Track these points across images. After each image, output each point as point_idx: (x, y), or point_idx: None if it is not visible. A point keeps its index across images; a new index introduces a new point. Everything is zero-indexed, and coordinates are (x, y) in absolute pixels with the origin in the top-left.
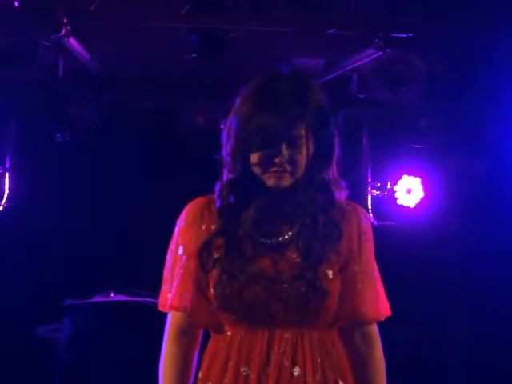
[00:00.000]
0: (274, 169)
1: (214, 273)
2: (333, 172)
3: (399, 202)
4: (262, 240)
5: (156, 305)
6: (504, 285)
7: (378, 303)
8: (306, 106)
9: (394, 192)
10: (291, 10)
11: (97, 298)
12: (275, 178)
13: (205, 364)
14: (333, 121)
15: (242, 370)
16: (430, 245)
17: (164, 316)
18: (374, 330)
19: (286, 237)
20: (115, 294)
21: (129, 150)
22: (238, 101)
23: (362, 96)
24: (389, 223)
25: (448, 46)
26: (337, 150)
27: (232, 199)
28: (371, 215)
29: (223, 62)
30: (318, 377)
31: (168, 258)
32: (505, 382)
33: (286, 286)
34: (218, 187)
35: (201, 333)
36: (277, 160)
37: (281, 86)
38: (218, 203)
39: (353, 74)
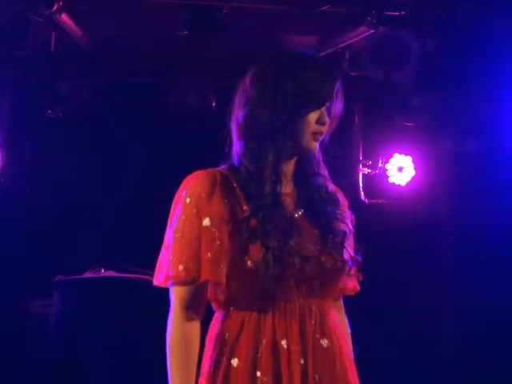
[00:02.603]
0: (320, 130)
1: (254, 249)
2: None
3: (390, 180)
4: (290, 215)
5: (147, 281)
6: (495, 264)
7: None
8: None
9: (386, 170)
10: None
11: (87, 274)
12: (315, 141)
13: (226, 339)
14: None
15: (282, 342)
16: (421, 223)
17: (153, 292)
18: (342, 302)
19: (304, 210)
20: (105, 269)
21: (120, 126)
22: (273, 69)
23: (354, 74)
24: (380, 201)
25: (441, 24)
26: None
27: (267, 173)
28: (362, 193)
29: (215, 39)
30: (338, 348)
31: (176, 228)
32: (495, 363)
33: (323, 258)
34: (250, 158)
35: (205, 306)
36: (324, 121)
37: (318, 59)
38: (245, 176)
39: (345, 51)
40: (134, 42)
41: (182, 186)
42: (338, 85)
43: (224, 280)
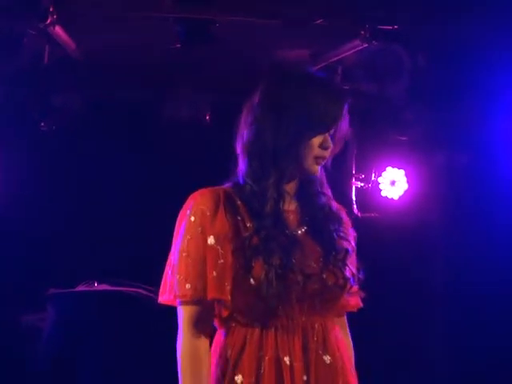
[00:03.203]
0: (323, 155)
1: (257, 267)
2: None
3: (383, 193)
4: (293, 232)
5: (140, 294)
6: (488, 277)
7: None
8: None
9: (378, 184)
10: (277, 1)
11: (80, 287)
12: (317, 164)
13: (229, 357)
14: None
15: (285, 359)
16: (413, 237)
17: (146, 306)
18: (346, 319)
19: (306, 228)
20: (98, 283)
21: (113, 139)
22: (278, 89)
23: (347, 88)
24: (373, 215)
25: (433, 39)
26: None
27: (270, 192)
28: (355, 207)
29: (208, 53)
30: (340, 364)
31: (183, 247)
32: (488, 364)
33: (325, 276)
34: (255, 176)
35: (212, 324)
36: (327, 146)
37: (323, 77)
38: (249, 194)
39: (338, 65)
40: (128, 54)
41: (186, 204)
42: (345, 108)
43: (229, 297)
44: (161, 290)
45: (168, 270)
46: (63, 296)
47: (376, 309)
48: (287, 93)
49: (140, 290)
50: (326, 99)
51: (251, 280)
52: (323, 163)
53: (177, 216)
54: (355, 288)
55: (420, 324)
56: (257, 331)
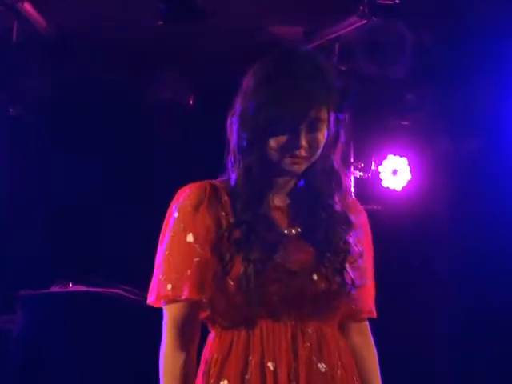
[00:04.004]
0: (295, 153)
1: (236, 263)
2: (338, 157)
3: (384, 184)
4: (282, 230)
5: (119, 295)
6: (494, 271)
7: (373, 300)
8: (327, 87)
9: (379, 173)
10: None
11: (54, 288)
12: (295, 164)
13: (215, 360)
14: (347, 103)
15: (269, 364)
16: (417, 230)
17: (124, 308)
18: (368, 325)
19: (303, 227)
20: (73, 283)
21: (87, 124)
22: (251, 82)
23: (345, 68)
24: (373, 207)
25: (438, 15)
26: (343, 135)
27: (248, 186)
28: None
29: (193, 31)
30: (339, 373)
31: (165, 246)
32: (491, 364)
33: (315, 277)
34: (233, 174)
35: (200, 327)
36: (298, 144)
37: (299, 66)
38: (233, 189)
39: (334, 43)
40: (104, 32)
41: (173, 200)
42: (321, 110)
43: (203, 297)
44: (149, 290)
45: (155, 270)
46: (35, 298)
47: (379, 306)
48: (252, 87)
49: (119, 291)
50: (287, 98)
51: (231, 279)
52: (305, 162)
53: (162, 209)
54: (357, 294)
55: (423, 318)
56: (243, 334)
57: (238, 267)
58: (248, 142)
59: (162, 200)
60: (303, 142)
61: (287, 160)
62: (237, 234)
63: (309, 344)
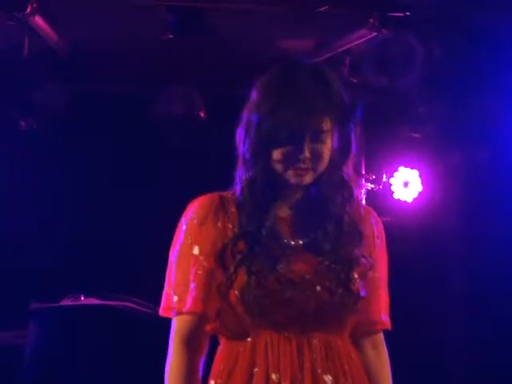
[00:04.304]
0: (298, 165)
1: (240, 275)
2: (350, 169)
3: (396, 196)
4: (286, 241)
5: (133, 309)
6: (506, 282)
7: (388, 311)
8: (330, 98)
9: (390, 185)
10: None
11: (65, 302)
12: (298, 176)
13: (221, 372)
14: (353, 114)
15: (273, 376)
16: (428, 242)
17: (136, 320)
18: (383, 338)
19: (310, 238)
20: (85, 296)
21: (99, 139)
22: (255, 94)
23: (355, 80)
24: (384, 219)
25: (448, 27)
26: (354, 146)
27: (253, 198)
28: None
29: (203, 44)
30: None
31: (174, 258)
32: (502, 375)
33: (318, 288)
34: (238, 185)
35: (208, 339)
36: (301, 156)
37: (302, 77)
38: (239, 201)
39: (345, 56)
40: (115, 46)
41: (184, 212)
42: (323, 122)
43: (205, 310)
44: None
45: (165, 282)
46: (47, 311)
47: (391, 318)
48: (256, 99)
49: (131, 304)
50: (290, 109)
51: (236, 291)
52: (310, 174)
53: (172, 222)
54: (377, 305)
55: (435, 332)
56: (249, 345)
57: (241, 279)
58: (252, 153)
59: (173, 212)
60: (306, 154)
61: (291, 172)
62: (241, 245)
63: (314, 356)
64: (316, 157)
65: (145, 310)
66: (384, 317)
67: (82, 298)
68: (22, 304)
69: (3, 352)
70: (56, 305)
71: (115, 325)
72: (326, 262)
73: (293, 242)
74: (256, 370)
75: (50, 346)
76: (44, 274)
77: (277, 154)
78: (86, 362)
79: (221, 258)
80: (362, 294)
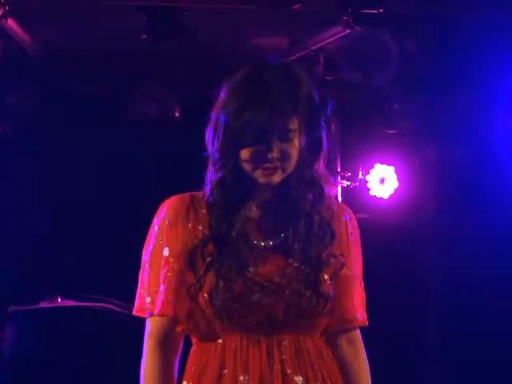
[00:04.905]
0: (266, 165)
1: (208, 277)
2: (321, 167)
3: (372, 192)
4: (256, 242)
5: (110, 310)
6: (483, 278)
7: (364, 307)
8: (298, 96)
9: (366, 182)
10: None
11: (43, 304)
12: (267, 175)
13: (192, 373)
14: (323, 112)
15: (240, 378)
16: (405, 238)
17: (116, 322)
18: (359, 334)
19: (280, 238)
20: (62, 299)
21: (73, 140)
22: (223, 94)
23: (330, 78)
24: (361, 216)
25: (423, 23)
26: (325, 144)
27: (222, 198)
28: None
29: (176, 44)
30: None
31: (146, 259)
32: (478, 372)
33: (287, 291)
34: (208, 186)
35: (182, 340)
36: (269, 155)
37: (269, 77)
38: (209, 202)
39: (319, 54)
40: (88, 47)
41: (156, 214)
42: (289, 122)
43: (175, 312)
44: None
45: (139, 282)
46: (24, 313)
47: (368, 317)
48: (223, 98)
49: (108, 305)
50: (256, 108)
51: (205, 294)
52: (278, 173)
53: (146, 222)
54: (351, 303)
55: (413, 329)
56: (219, 347)
57: (210, 282)
58: (220, 153)
59: (149, 213)
60: (274, 153)
61: (259, 171)
62: (210, 247)
63: (284, 357)
64: (284, 156)
65: (122, 310)
66: (359, 314)
67: (59, 300)
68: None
69: None
70: (33, 307)
71: (92, 326)
72: (295, 264)
73: (262, 243)
74: (225, 371)
75: (27, 348)
76: (21, 277)
77: (245, 154)
78: (63, 363)
79: (191, 259)
80: (332, 295)
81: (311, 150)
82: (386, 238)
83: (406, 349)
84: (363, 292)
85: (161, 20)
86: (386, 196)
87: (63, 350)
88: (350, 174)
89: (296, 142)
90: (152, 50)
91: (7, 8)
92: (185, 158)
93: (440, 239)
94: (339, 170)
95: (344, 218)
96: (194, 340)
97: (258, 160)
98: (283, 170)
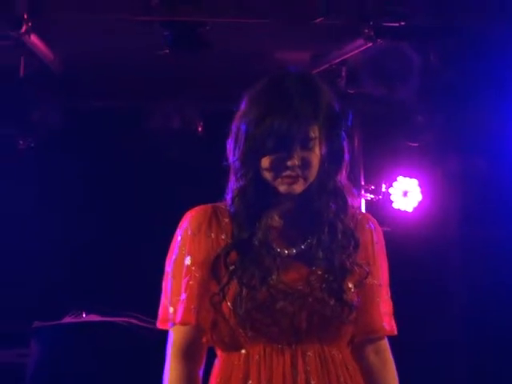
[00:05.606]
0: (286, 173)
1: (232, 286)
2: (343, 177)
3: (395, 205)
4: (279, 250)
5: (135, 324)
6: (508, 290)
7: (391, 316)
8: (318, 105)
9: (390, 195)
10: None
11: (67, 319)
12: (288, 184)
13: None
14: (343, 122)
15: None
16: (429, 251)
17: (140, 337)
18: (387, 344)
19: (303, 247)
20: (87, 314)
21: (97, 155)
22: (244, 104)
23: (352, 91)
24: (385, 229)
25: (444, 35)
26: (347, 154)
27: (244, 207)
28: None
29: (199, 58)
30: None
31: (169, 269)
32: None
33: (310, 299)
34: (229, 195)
35: (206, 350)
36: (289, 163)
37: (290, 86)
38: (231, 211)
39: (341, 67)
40: (111, 63)
41: (179, 225)
42: (309, 130)
43: (198, 321)
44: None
45: (162, 293)
46: (49, 329)
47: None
48: (244, 108)
49: (133, 320)
50: (277, 117)
51: (228, 303)
52: (298, 182)
53: (169, 235)
54: (377, 312)
55: (438, 341)
56: (243, 357)
57: (234, 290)
58: (241, 162)
59: (173, 225)
60: (295, 161)
61: (280, 180)
62: (233, 255)
63: (309, 368)
64: (305, 164)
65: (146, 325)
66: (386, 323)
67: (84, 315)
68: (24, 322)
69: (6, 371)
70: (58, 322)
71: (118, 341)
72: (319, 272)
73: (286, 251)
74: (249, 382)
75: (52, 364)
76: (45, 292)
77: (265, 163)
78: (88, 379)
79: (214, 268)
80: (356, 304)
81: (332, 159)
82: (409, 250)
83: (433, 358)
84: (390, 301)
85: (183, 35)
86: (409, 209)
87: (88, 365)
88: (373, 187)
89: (317, 150)
90: (174, 64)
91: (30, 24)
92: (207, 171)
93: (464, 252)
94: (362, 183)
95: (368, 227)
96: (218, 351)
97: (278, 168)
98: (304, 179)
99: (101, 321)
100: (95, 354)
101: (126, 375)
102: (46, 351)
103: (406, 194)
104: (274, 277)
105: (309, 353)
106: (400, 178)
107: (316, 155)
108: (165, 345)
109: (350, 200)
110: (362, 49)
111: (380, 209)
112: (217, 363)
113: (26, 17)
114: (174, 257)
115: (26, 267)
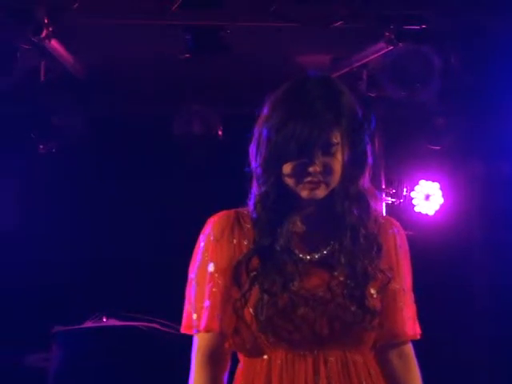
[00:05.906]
0: (308, 179)
1: (253, 292)
2: (366, 181)
3: (417, 209)
4: (301, 256)
5: (154, 329)
6: None
7: (415, 321)
8: (340, 110)
9: (411, 199)
10: (293, 2)
11: (88, 324)
12: (310, 189)
13: None
14: (366, 126)
15: None
16: (452, 255)
17: (162, 342)
18: (411, 348)
19: (325, 252)
20: (107, 318)
21: (119, 160)
22: (266, 109)
23: (373, 94)
24: (407, 233)
25: (466, 37)
26: (370, 158)
27: (265, 213)
28: None
29: (220, 63)
30: None
31: (192, 275)
32: None
33: (331, 305)
34: (251, 201)
35: (230, 355)
36: (311, 169)
37: (312, 91)
38: (253, 217)
39: (362, 70)
40: (132, 67)
41: (202, 230)
42: (332, 136)
43: (221, 328)
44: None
45: (185, 299)
46: (69, 333)
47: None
48: (266, 113)
49: (153, 325)
50: (299, 123)
51: (250, 309)
52: (321, 187)
53: (192, 240)
54: (400, 317)
55: (462, 345)
56: (265, 363)
57: (255, 296)
58: (263, 168)
59: (195, 231)
60: (317, 167)
61: (302, 186)
62: (255, 261)
63: (331, 374)
64: (327, 170)
65: (167, 330)
66: (409, 328)
67: (105, 320)
68: (44, 327)
69: (27, 374)
70: (78, 327)
71: (138, 345)
72: (341, 278)
73: (308, 257)
74: None
75: (73, 368)
76: (66, 297)
77: (287, 168)
78: (109, 381)
79: (236, 275)
80: (379, 310)
81: (355, 164)
82: (431, 254)
83: (457, 362)
84: (414, 305)
85: (204, 39)
86: (431, 212)
87: (108, 369)
88: (394, 190)
89: (339, 156)
90: (195, 68)
91: (51, 29)
92: (229, 176)
93: (486, 254)
94: (384, 186)
95: (391, 231)
96: (240, 357)
97: (300, 174)
98: (326, 185)
99: (121, 325)
100: (116, 359)
101: (147, 380)
102: (66, 355)
103: (427, 197)
104: (295, 283)
105: (331, 358)
106: (422, 182)
107: (338, 161)
108: (187, 350)
109: (372, 204)
110: (382, 52)
111: (401, 212)
112: (239, 368)
113: (46, 21)
114: (197, 263)
115: (48, 272)
